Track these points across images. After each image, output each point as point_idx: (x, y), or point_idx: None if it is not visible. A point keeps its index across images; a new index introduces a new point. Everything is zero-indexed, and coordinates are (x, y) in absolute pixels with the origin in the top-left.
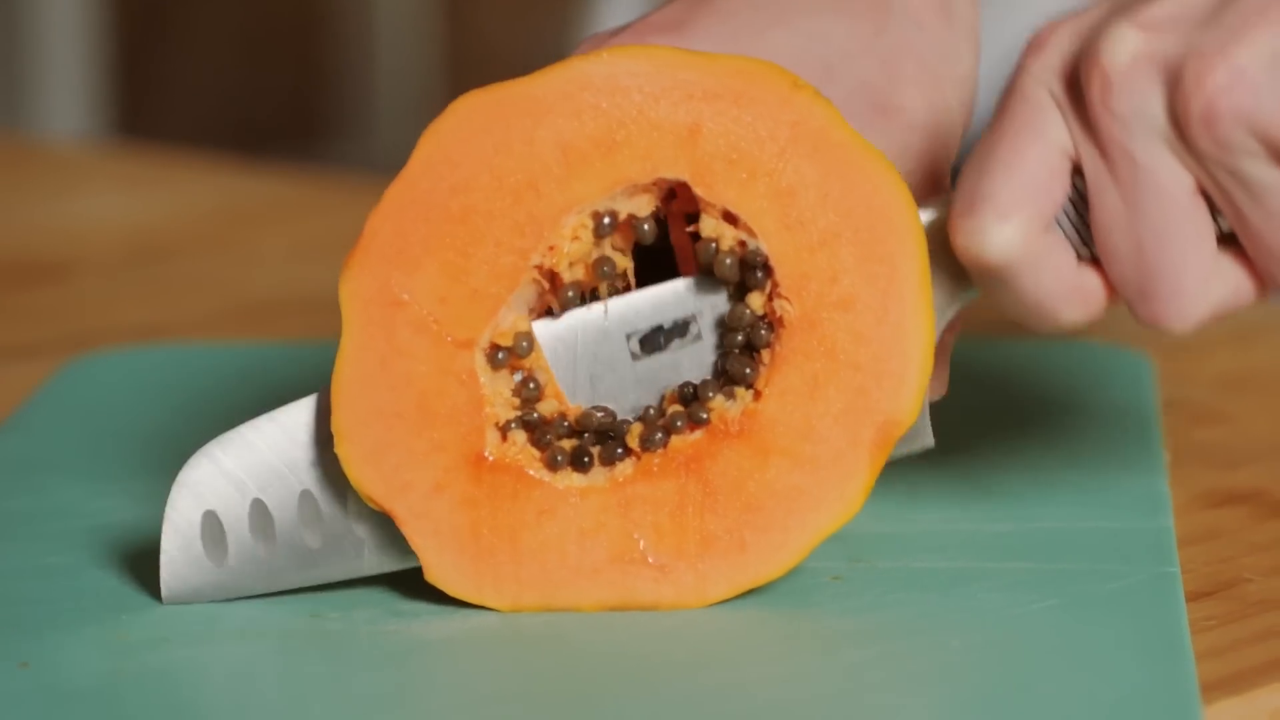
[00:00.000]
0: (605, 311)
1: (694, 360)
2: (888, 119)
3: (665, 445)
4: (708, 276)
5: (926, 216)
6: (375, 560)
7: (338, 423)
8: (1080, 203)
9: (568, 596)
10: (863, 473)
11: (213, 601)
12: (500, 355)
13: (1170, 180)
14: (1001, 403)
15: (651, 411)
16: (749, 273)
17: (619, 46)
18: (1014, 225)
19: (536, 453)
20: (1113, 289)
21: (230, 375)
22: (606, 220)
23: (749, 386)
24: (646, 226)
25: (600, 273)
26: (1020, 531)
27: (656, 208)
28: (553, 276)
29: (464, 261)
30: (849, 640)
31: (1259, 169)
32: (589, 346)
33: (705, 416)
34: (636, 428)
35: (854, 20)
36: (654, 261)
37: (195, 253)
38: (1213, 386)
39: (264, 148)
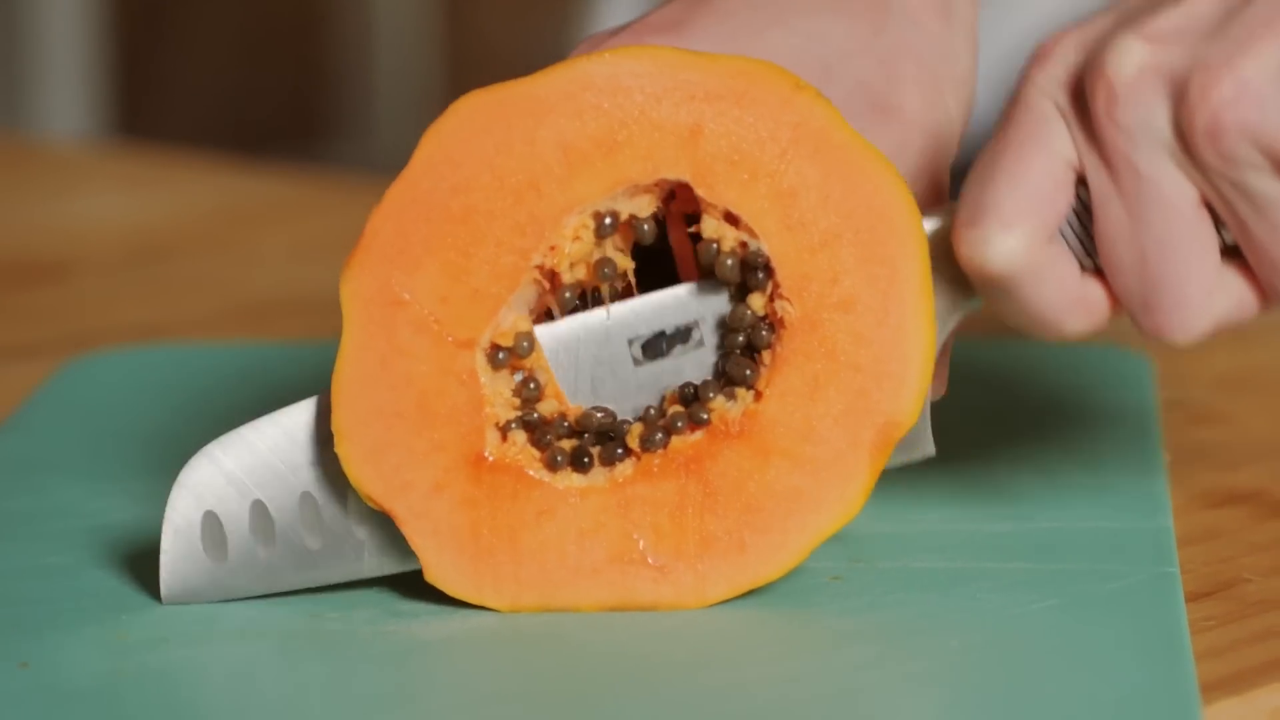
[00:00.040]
0: (608, 315)
1: (695, 362)
2: (886, 119)
3: (665, 446)
4: (710, 282)
5: (930, 225)
6: (375, 563)
7: (338, 422)
8: (1084, 213)
9: (567, 597)
10: (863, 474)
11: (212, 602)
12: (501, 355)
13: (1174, 192)
14: (1001, 403)
15: (652, 412)
16: (750, 274)
17: (621, 47)
18: (1018, 236)
19: (536, 453)
20: (1116, 300)
21: (230, 375)
22: (608, 220)
23: (749, 387)
24: (647, 227)
25: (601, 274)
26: (1020, 532)
27: (657, 208)
28: (553, 276)
29: (465, 261)
30: (849, 640)
31: (1263, 182)
32: (591, 351)
33: (706, 417)
34: (637, 428)
35: (852, 20)
36: (653, 262)
37: (195, 253)
38: (1212, 387)
39: (263, 148)
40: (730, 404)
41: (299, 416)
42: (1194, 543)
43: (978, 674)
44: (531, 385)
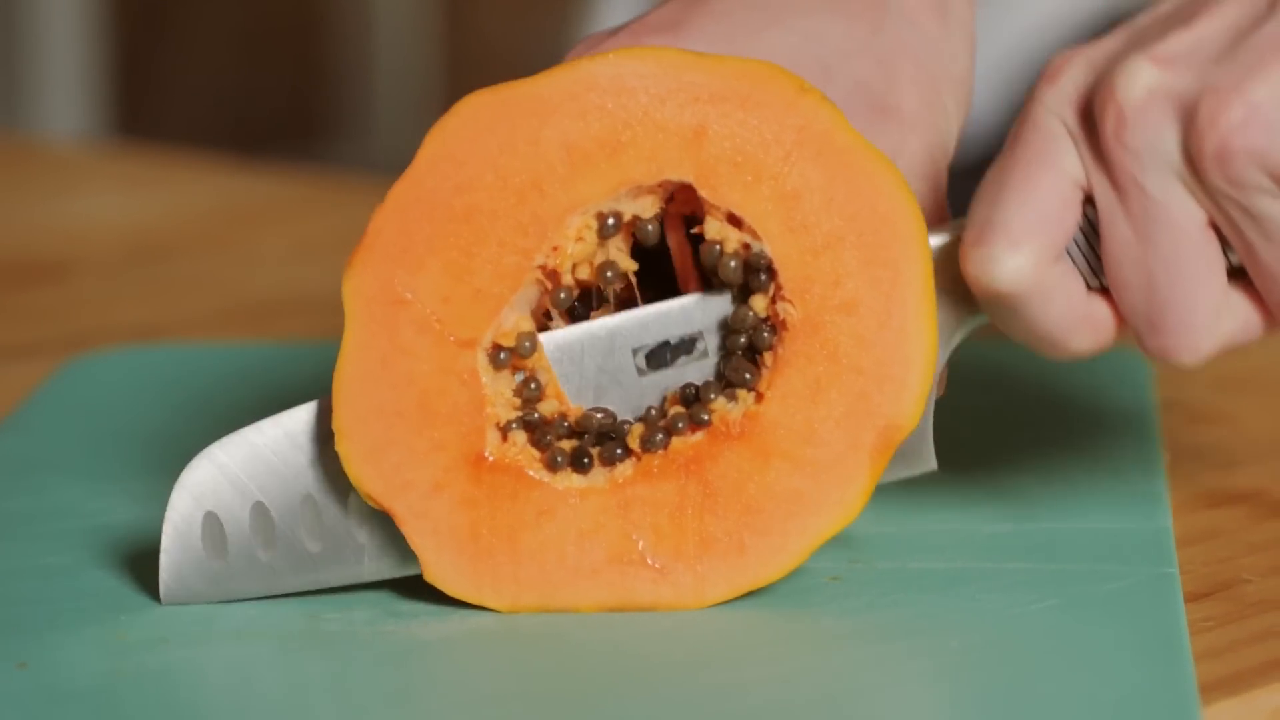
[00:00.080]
0: (607, 332)
1: (698, 366)
2: (884, 119)
3: (666, 446)
4: (715, 293)
5: (936, 241)
6: (375, 566)
7: (338, 420)
8: (1091, 233)
9: (566, 597)
10: (863, 477)
11: (211, 603)
12: (502, 355)
13: (1182, 215)
14: (1000, 403)
15: (653, 412)
16: (752, 275)
17: (626, 48)
18: (1025, 254)
19: (536, 453)
20: (1122, 319)
21: (229, 375)
22: (610, 221)
23: (750, 389)
24: (651, 228)
25: (604, 277)
26: (1018, 532)
27: (660, 209)
28: (556, 277)
29: (467, 261)
30: (847, 641)
31: (1271, 206)
32: (595, 360)
33: (706, 418)
34: (637, 428)
35: (850, 20)
36: (652, 263)
37: (194, 253)
38: (1211, 387)
39: (263, 148)
40: (731, 405)
41: (301, 418)
42: (1193, 543)
43: (977, 674)
44: (532, 385)
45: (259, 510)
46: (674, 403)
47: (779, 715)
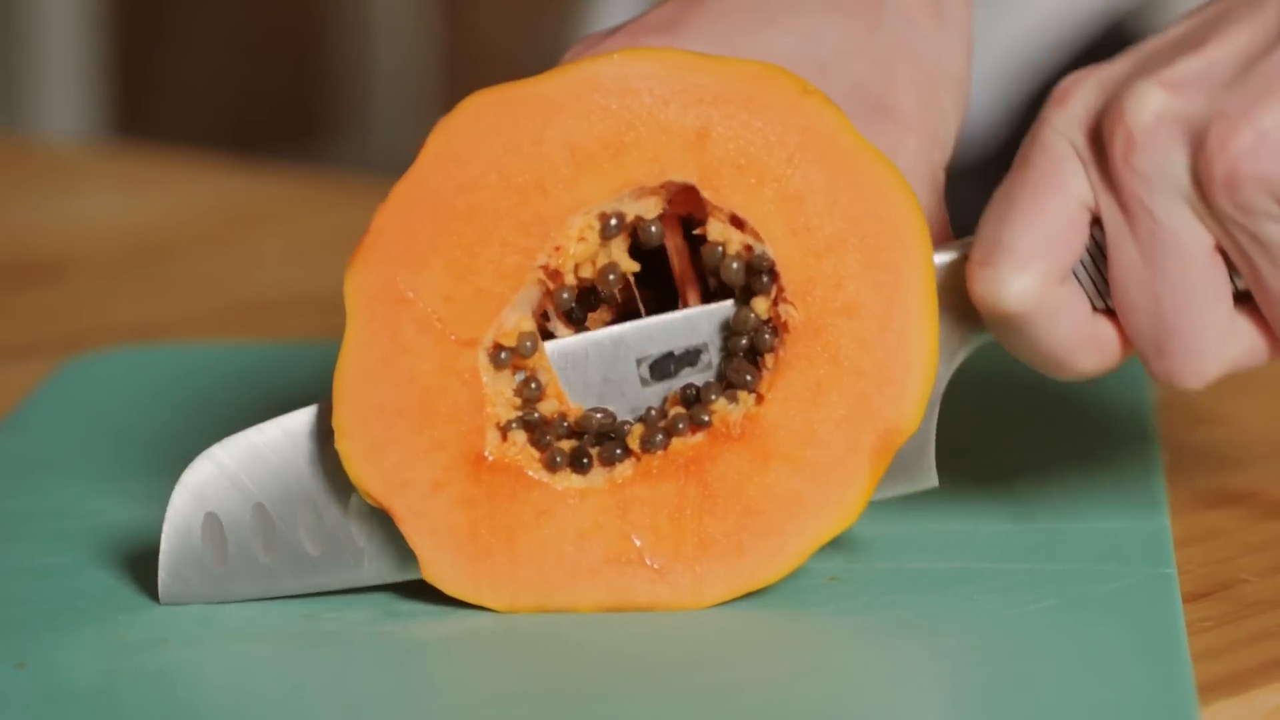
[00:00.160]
0: (612, 341)
1: (701, 375)
2: (882, 119)
3: (666, 447)
4: (722, 305)
5: (942, 259)
6: (374, 570)
7: (339, 418)
8: (1098, 255)
9: (565, 597)
10: (862, 480)
11: (210, 603)
12: (503, 355)
13: (1190, 239)
14: (998, 404)
15: (653, 413)
16: (754, 277)
17: (630, 49)
18: (1031, 275)
19: (536, 453)
20: (1128, 341)
21: (228, 375)
22: (613, 222)
23: (751, 391)
24: (654, 229)
25: (606, 279)
26: (1017, 532)
27: (663, 210)
28: (558, 277)
29: (469, 260)
30: (845, 641)
31: (1278, 232)
32: (599, 370)
33: (707, 419)
34: (637, 429)
35: (847, 20)
36: (651, 264)
37: (193, 253)
38: (1209, 387)
39: (262, 148)
40: (731, 406)
41: (302, 420)
42: (1192, 543)
43: (975, 675)
44: (533, 385)
45: (259, 511)
46: (674, 403)
47: (777, 715)
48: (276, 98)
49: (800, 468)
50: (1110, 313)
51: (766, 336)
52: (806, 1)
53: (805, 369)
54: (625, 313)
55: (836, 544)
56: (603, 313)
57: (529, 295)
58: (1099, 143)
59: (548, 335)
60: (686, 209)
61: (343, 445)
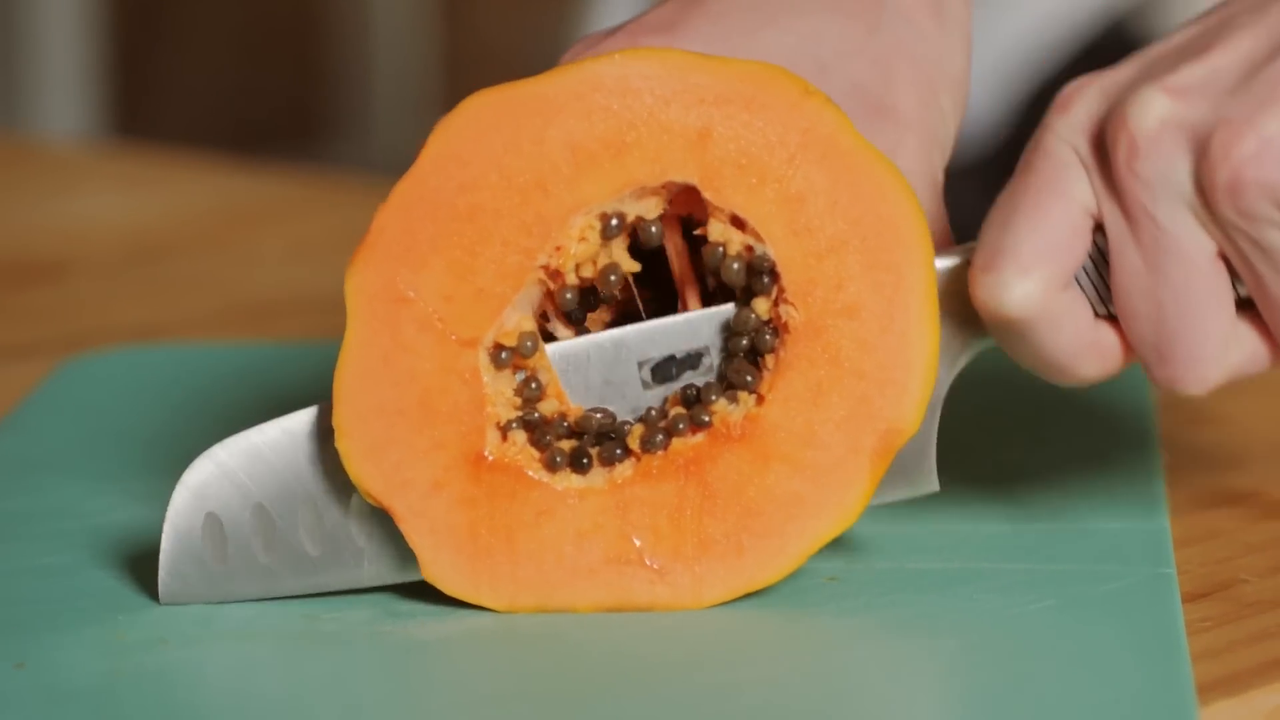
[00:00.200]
0: (613, 344)
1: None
2: (881, 119)
3: (666, 447)
4: (724, 309)
5: (944, 265)
6: (374, 571)
7: (339, 418)
8: (1100, 261)
9: (564, 597)
10: (863, 481)
11: (210, 603)
12: (504, 355)
13: (1192, 245)
14: (998, 404)
15: (653, 413)
16: (755, 278)
17: (631, 49)
18: (1034, 281)
19: (536, 453)
20: (1129, 346)
21: (227, 375)
22: (614, 222)
23: (751, 392)
24: (654, 229)
25: (607, 279)
26: (1016, 532)
27: (664, 210)
28: (559, 277)
29: (470, 260)
30: (845, 641)
31: None
32: (600, 373)
33: (707, 419)
34: (638, 429)
35: (846, 20)
36: (649, 264)
37: (192, 253)
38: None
39: (261, 148)
40: (732, 407)
41: (304, 420)
42: (1191, 543)
43: (974, 675)
44: (533, 385)
45: (260, 511)
46: (675, 404)
47: (777, 715)
48: (276, 98)
49: (800, 469)
50: (1112, 319)
51: (767, 337)
52: (806, 2)
53: (806, 370)
54: (624, 313)
55: (836, 544)
56: (602, 313)
57: (530, 295)
58: (1102, 149)
59: (547, 335)
60: (685, 209)
61: (343, 444)
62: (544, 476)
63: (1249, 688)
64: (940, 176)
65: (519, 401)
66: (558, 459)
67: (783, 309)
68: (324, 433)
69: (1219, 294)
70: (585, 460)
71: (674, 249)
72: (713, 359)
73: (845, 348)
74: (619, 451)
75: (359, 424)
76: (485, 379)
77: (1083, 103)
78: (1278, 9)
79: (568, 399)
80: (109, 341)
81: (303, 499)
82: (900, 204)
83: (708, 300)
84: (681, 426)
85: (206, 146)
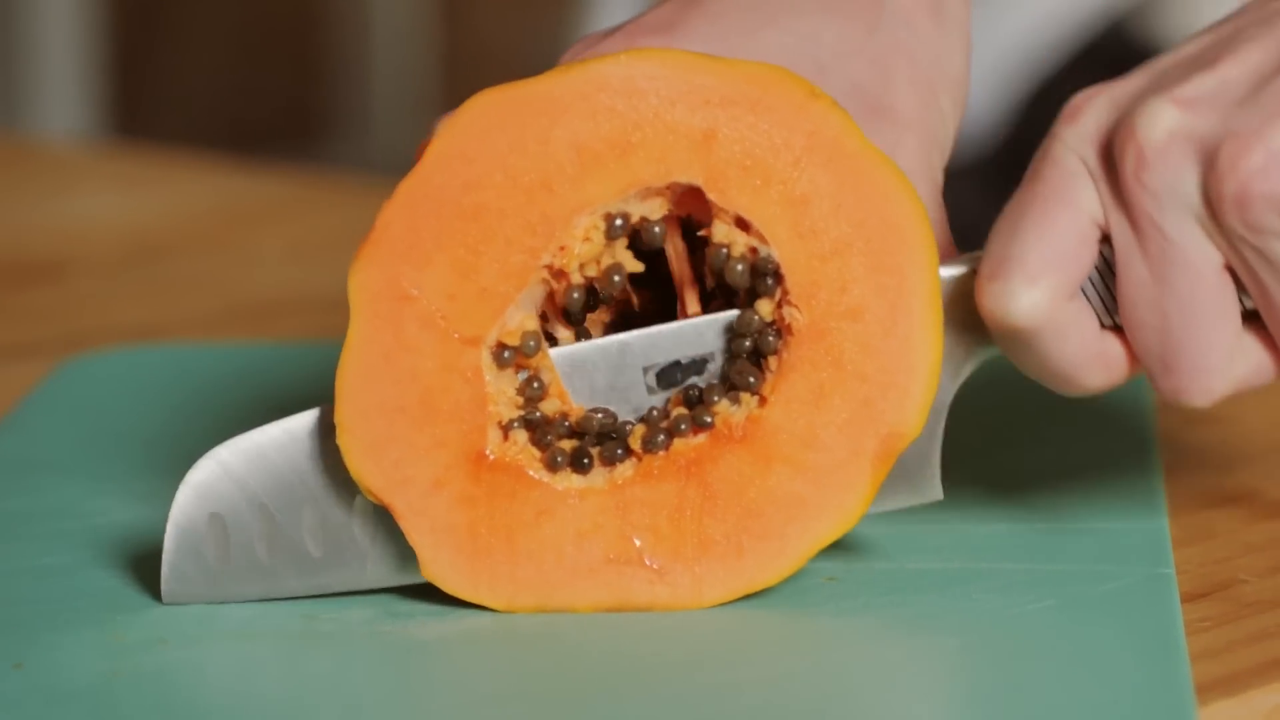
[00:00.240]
0: (618, 348)
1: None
2: (880, 119)
3: (667, 447)
4: (730, 315)
5: (950, 273)
6: (377, 572)
7: (340, 415)
8: (1106, 271)
9: (564, 597)
10: (864, 484)
11: (211, 603)
12: (506, 354)
13: (1199, 257)
14: (996, 404)
15: (655, 413)
16: (759, 279)
17: (637, 49)
18: (1041, 290)
19: (537, 453)
20: (1135, 358)
21: (226, 375)
22: (618, 222)
23: (754, 393)
24: (657, 229)
25: (611, 280)
26: (1016, 532)
27: (668, 211)
28: (562, 276)
29: (474, 259)
30: (844, 641)
31: None
32: (605, 377)
33: (709, 420)
34: (639, 429)
35: (845, 21)
36: (649, 265)
37: (191, 253)
38: None
39: (260, 148)
40: (734, 408)
41: (307, 422)
42: (1190, 543)
43: (973, 675)
44: (535, 385)
45: (263, 512)
46: (677, 404)
47: (776, 715)
48: (275, 98)
49: (802, 470)
50: (1118, 329)
51: (770, 339)
52: (805, 2)
53: (808, 372)
54: (622, 313)
55: (835, 544)
56: (601, 314)
57: (533, 294)
58: (1110, 159)
59: (546, 335)
60: (685, 210)
61: (344, 441)
62: (544, 476)
63: (1248, 688)
64: (939, 177)
65: (521, 401)
66: (559, 459)
67: (786, 311)
68: (327, 433)
69: (1225, 306)
70: (586, 460)
71: (674, 250)
72: (718, 364)
73: (848, 350)
74: (620, 451)
75: (360, 421)
76: (487, 378)
77: (1091, 112)
78: None
79: (569, 399)
80: (108, 341)
81: (306, 500)
82: (905, 207)
83: (706, 301)
84: (683, 427)
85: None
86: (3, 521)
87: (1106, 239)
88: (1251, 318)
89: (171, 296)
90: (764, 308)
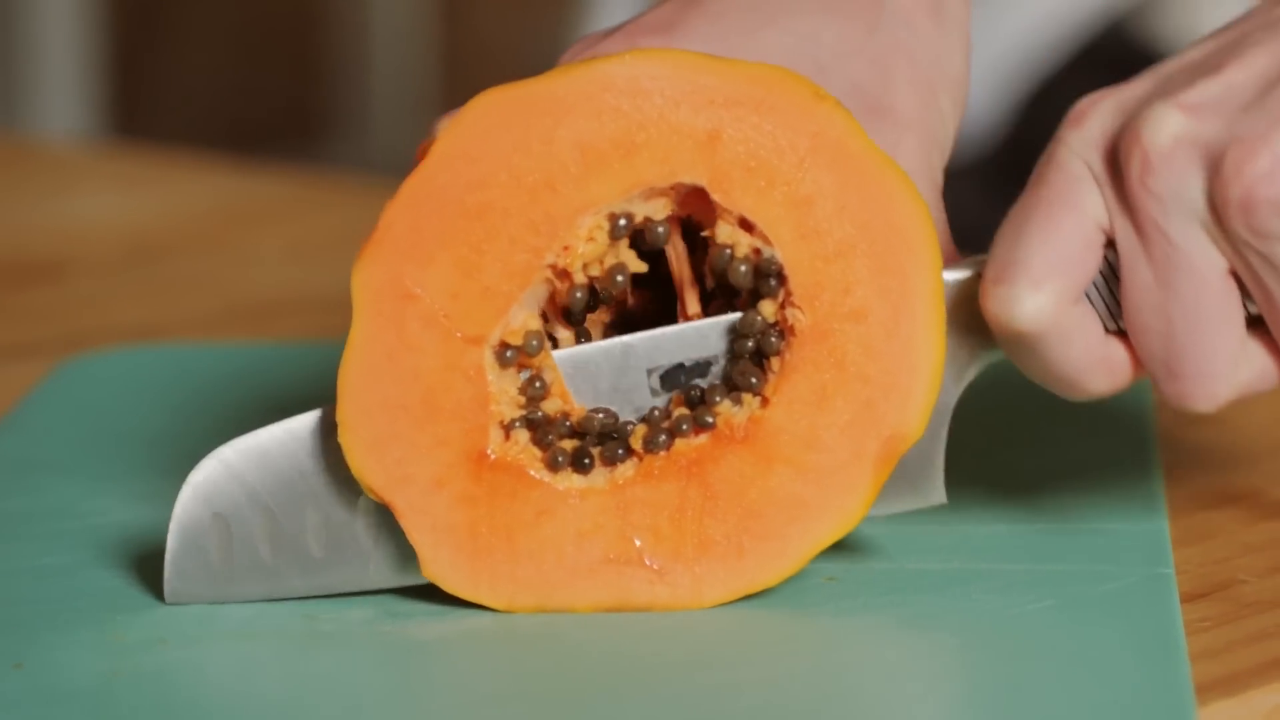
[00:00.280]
0: (623, 350)
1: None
2: (880, 119)
3: (669, 448)
4: (734, 319)
5: (954, 277)
6: (380, 572)
7: (342, 412)
8: (1111, 276)
9: (563, 597)
10: (865, 486)
11: (214, 603)
12: (509, 354)
13: (1204, 262)
14: (996, 404)
15: (656, 413)
16: (762, 280)
17: (642, 49)
18: (1046, 295)
19: (538, 452)
20: (1139, 362)
21: (225, 375)
22: (622, 222)
23: (756, 394)
24: (661, 230)
25: (614, 280)
26: (1015, 533)
27: (672, 211)
28: (565, 276)
29: (478, 258)
30: (844, 641)
31: None
32: (609, 379)
33: (711, 421)
34: (640, 429)
35: (845, 21)
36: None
37: (191, 253)
38: None
39: (260, 147)
40: (736, 409)
41: (311, 422)
42: (1189, 544)
43: (973, 675)
44: (537, 384)
45: (266, 512)
46: (678, 404)
47: (776, 715)
48: (274, 97)
49: (803, 472)
50: (1122, 334)
51: (773, 340)
52: (805, 2)
53: (811, 373)
54: (621, 314)
55: (835, 545)
56: (601, 314)
57: (536, 294)
58: (1115, 164)
59: (547, 336)
60: (687, 211)
61: (345, 439)
62: (545, 476)
63: (1247, 688)
64: (939, 177)
65: (523, 400)
66: (560, 458)
67: (789, 312)
68: (330, 433)
69: (1229, 311)
70: (587, 460)
71: (675, 251)
72: (721, 366)
73: (851, 352)
74: (621, 451)
75: (362, 419)
76: (490, 377)
77: (1096, 117)
78: None
79: (571, 399)
80: (108, 341)
81: (309, 500)
82: (909, 209)
83: (706, 302)
84: (685, 427)
85: (205, 146)
86: (3, 521)
87: (1111, 244)
88: (1256, 323)
89: (171, 296)
90: (767, 309)
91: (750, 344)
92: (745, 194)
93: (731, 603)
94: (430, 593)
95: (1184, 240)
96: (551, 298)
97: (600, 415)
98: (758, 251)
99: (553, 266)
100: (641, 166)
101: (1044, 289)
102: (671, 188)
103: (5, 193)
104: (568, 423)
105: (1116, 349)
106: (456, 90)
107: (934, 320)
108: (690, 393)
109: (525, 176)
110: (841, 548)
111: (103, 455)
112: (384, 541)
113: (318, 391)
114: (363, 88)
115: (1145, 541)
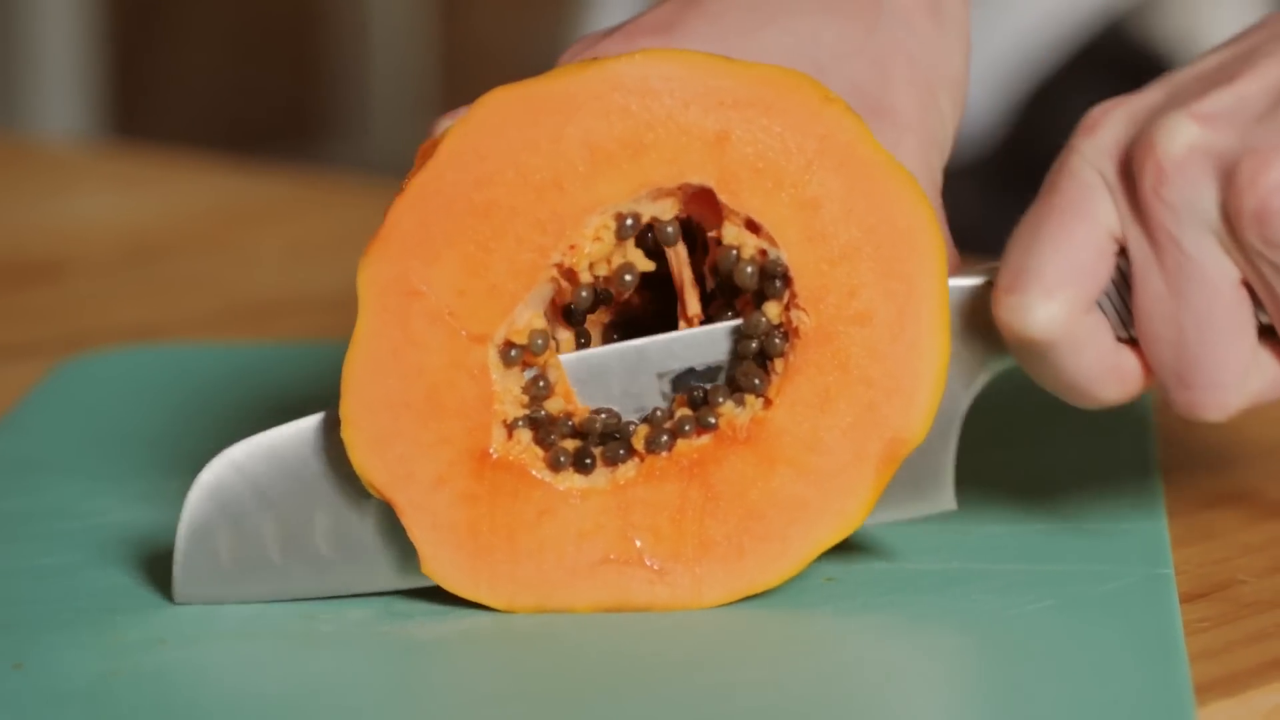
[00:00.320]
0: (635, 353)
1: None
2: (879, 120)
3: (670, 448)
4: (743, 323)
5: (964, 284)
6: (388, 574)
7: (346, 408)
8: (1123, 284)
9: (563, 597)
10: (866, 488)
11: (222, 604)
12: (514, 353)
13: (1216, 272)
14: (995, 404)
15: (659, 414)
16: (768, 282)
17: (651, 49)
18: (1058, 303)
19: (540, 452)
20: (1150, 371)
21: (225, 375)
22: (629, 222)
23: (759, 395)
24: (669, 230)
25: (622, 280)
26: (1014, 533)
27: (679, 212)
28: (572, 275)
29: (484, 256)
30: (843, 641)
31: None
32: (620, 383)
33: (713, 422)
34: (643, 430)
35: (844, 21)
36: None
37: (190, 253)
38: None
39: (259, 148)
40: (739, 410)
41: (319, 423)
42: (1189, 544)
43: (972, 675)
44: (541, 384)
45: (275, 513)
46: (681, 405)
47: (775, 716)
48: (274, 98)
49: (805, 473)
50: (1133, 343)
51: (777, 341)
52: (804, 2)
53: (814, 375)
54: (621, 314)
55: (835, 545)
56: (601, 314)
57: (542, 293)
58: (1128, 173)
59: None
60: (690, 211)
61: (348, 435)
62: (547, 476)
63: (1247, 688)
64: (939, 177)
65: (526, 399)
66: (561, 458)
67: (794, 314)
68: (337, 433)
69: (1241, 321)
70: (589, 460)
71: (676, 252)
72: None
73: (855, 355)
74: (623, 452)
75: (365, 415)
76: (494, 376)
77: (1109, 126)
78: None
79: (575, 398)
80: (107, 341)
81: (318, 501)
82: (915, 213)
83: (706, 303)
84: (687, 428)
85: (204, 146)
86: (3, 521)
87: (1123, 252)
88: (1267, 333)
89: (171, 296)
90: (772, 310)
91: (754, 345)
92: (752, 195)
93: (731, 603)
94: (430, 593)
95: (1196, 250)
96: (552, 298)
97: (603, 415)
98: (764, 253)
99: (559, 266)
100: (649, 167)
101: (1056, 298)
102: (679, 188)
103: (4, 193)
104: (570, 422)
105: (1128, 358)
106: (456, 90)
107: (939, 324)
108: (693, 393)
109: (533, 175)
110: (841, 548)
111: (103, 455)
112: (392, 542)
113: (318, 391)
114: (362, 88)
115: (1145, 541)
